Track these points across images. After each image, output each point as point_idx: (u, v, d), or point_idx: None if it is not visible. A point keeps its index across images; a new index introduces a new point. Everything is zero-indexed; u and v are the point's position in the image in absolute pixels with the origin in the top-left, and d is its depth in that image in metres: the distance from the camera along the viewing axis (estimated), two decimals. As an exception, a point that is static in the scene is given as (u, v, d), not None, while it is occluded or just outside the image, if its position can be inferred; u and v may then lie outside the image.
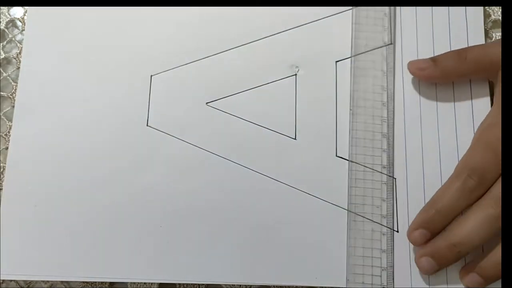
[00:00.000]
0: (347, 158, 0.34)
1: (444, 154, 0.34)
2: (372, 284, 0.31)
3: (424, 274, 0.31)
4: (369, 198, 0.33)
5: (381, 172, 0.33)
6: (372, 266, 0.32)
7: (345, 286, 0.32)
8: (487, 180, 0.30)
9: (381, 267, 0.32)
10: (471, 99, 0.35)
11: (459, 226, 0.30)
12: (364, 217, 0.32)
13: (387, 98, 0.34)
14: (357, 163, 0.33)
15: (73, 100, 0.35)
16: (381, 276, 0.32)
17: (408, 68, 0.34)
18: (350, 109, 0.34)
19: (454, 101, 0.35)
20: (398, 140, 0.34)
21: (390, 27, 0.36)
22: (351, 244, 0.32)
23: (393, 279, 0.32)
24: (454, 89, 0.35)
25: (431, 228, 0.31)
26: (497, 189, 0.29)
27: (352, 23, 0.36)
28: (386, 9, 0.36)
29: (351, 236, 0.32)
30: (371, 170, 0.33)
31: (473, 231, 0.29)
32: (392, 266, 0.32)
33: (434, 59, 0.34)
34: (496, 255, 0.30)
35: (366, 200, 0.33)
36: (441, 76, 0.34)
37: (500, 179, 0.30)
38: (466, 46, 0.35)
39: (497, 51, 0.32)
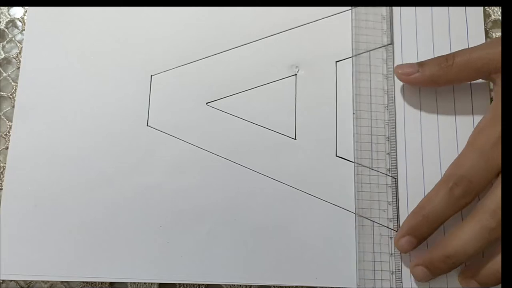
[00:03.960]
0: (352, 160, 0.34)
1: (444, 154, 0.34)
2: None
3: (418, 282, 0.32)
4: (376, 202, 0.33)
5: (386, 175, 0.33)
6: (381, 270, 0.32)
7: (344, 286, 0.32)
8: (475, 189, 0.30)
9: (389, 271, 0.32)
10: (471, 99, 0.35)
11: (454, 238, 0.29)
12: (372, 221, 0.33)
13: (388, 101, 0.34)
14: (362, 165, 0.33)
15: (73, 100, 0.35)
16: (390, 279, 0.32)
17: (395, 72, 0.34)
18: (353, 113, 0.34)
19: (454, 102, 0.35)
20: (399, 141, 0.34)
21: (389, 27, 0.36)
22: (361, 249, 0.32)
23: (401, 282, 0.32)
24: (454, 89, 0.35)
25: (418, 235, 0.31)
26: (491, 200, 0.29)
27: (351, 25, 0.36)
28: (383, 10, 0.36)
29: (360, 241, 0.32)
30: (377, 174, 0.33)
31: (468, 243, 0.29)
32: (400, 270, 0.32)
33: (421, 64, 0.33)
34: (492, 264, 0.29)
35: (373, 205, 0.33)
36: (427, 82, 0.33)
37: (493, 188, 0.29)
38: (467, 46, 0.34)
39: (483, 55, 0.31)
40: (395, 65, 0.35)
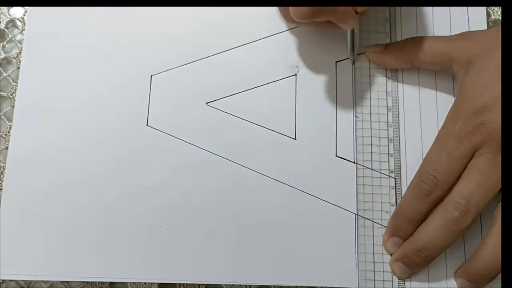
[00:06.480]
0: (352, 161, 0.34)
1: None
2: None
3: (399, 278, 0.32)
4: (378, 203, 0.33)
5: (389, 176, 0.33)
6: (383, 271, 0.32)
7: (344, 287, 0.32)
8: (441, 182, 0.30)
9: (391, 271, 0.32)
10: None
11: (423, 232, 0.30)
12: (374, 222, 0.32)
13: (392, 102, 0.34)
14: (363, 167, 0.33)
15: (73, 100, 0.35)
16: (392, 280, 0.32)
17: (365, 50, 0.35)
18: (356, 116, 0.34)
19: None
20: (401, 143, 0.34)
21: (390, 28, 0.36)
22: (362, 250, 0.32)
23: (403, 282, 0.32)
24: (455, 90, 0.35)
25: (401, 235, 0.31)
26: (455, 193, 0.29)
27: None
28: (384, 11, 0.36)
29: (360, 242, 0.32)
30: (379, 175, 0.33)
31: (435, 235, 0.30)
32: None
33: (388, 43, 0.35)
34: (477, 262, 0.30)
35: (375, 206, 0.33)
36: (392, 59, 0.34)
37: (458, 181, 0.30)
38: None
39: (446, 44, 0.32)
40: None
